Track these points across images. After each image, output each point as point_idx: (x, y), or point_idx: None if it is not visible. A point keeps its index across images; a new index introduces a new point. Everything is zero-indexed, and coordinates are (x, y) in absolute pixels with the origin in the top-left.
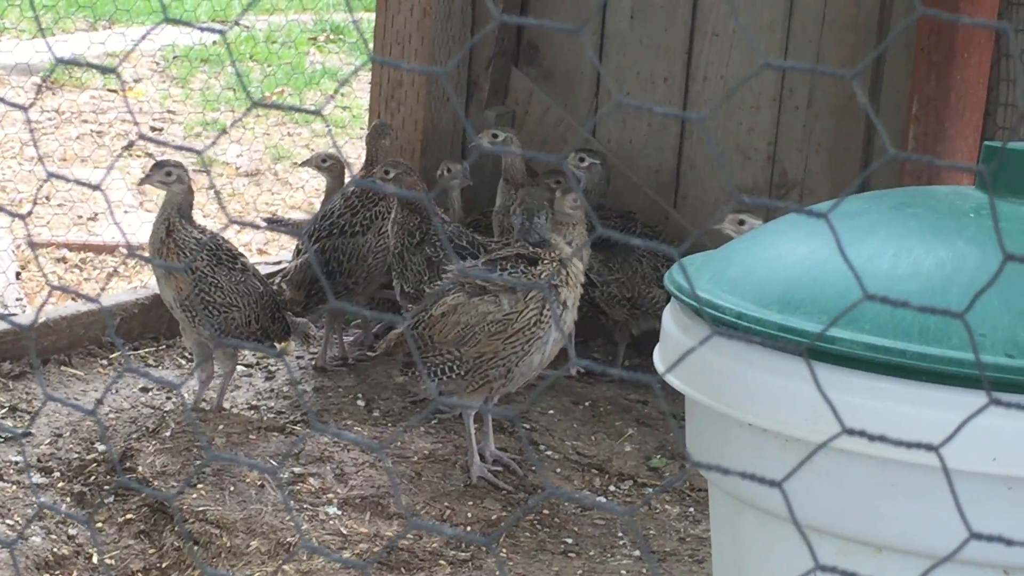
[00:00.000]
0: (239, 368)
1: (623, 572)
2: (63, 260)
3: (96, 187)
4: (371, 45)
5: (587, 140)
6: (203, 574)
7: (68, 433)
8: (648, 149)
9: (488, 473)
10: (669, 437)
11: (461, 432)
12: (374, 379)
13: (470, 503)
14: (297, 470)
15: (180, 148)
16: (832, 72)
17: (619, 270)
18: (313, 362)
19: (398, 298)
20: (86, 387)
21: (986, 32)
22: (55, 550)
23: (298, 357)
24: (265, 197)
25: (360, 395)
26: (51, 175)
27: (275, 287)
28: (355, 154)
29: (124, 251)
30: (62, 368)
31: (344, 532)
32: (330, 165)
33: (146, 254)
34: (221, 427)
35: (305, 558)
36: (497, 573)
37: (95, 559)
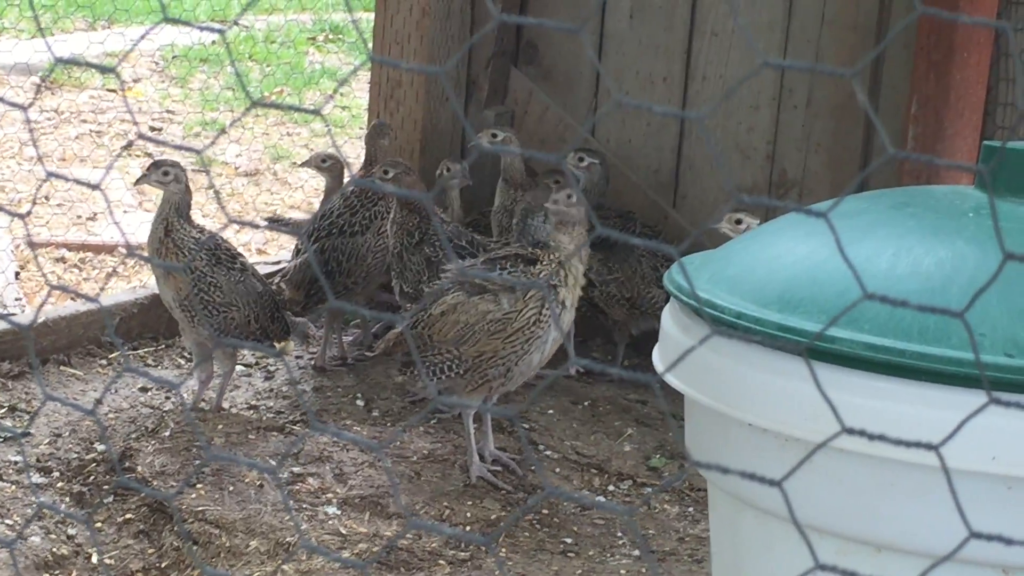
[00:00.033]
0: (238, 368)
1: (622, 572)
2: (62, 260)
3: (95, 187)
4: (370, 45)
5: (586, 140)
6: (202, 574)
7: (67, 433)
8: (647, 149)
9: (487, 473)
10: (668, 437)
11: (460, 432)
12: (373, 379)
13: (469, 503)
14: (296, 470)
15: (179, 148)
16: (832, 71)
17: (618, 270)
18: (312, 362)
19: (397, 297)
20: (85, 387)
21: (985, 31)
22: (54, 550)
23: (297, 357)
24: (264, 197)
25: (359, 395)
26: (50, 175)
27: (274, 287)
28: (354, 154)
29: (123, 251)
30: (61, 368)
31: (343, 532)
32: (330, 165)
33: (145, 254)
34: (220, 427)
35: (304, 558)
36: (496, 573)
37: (94, 559)
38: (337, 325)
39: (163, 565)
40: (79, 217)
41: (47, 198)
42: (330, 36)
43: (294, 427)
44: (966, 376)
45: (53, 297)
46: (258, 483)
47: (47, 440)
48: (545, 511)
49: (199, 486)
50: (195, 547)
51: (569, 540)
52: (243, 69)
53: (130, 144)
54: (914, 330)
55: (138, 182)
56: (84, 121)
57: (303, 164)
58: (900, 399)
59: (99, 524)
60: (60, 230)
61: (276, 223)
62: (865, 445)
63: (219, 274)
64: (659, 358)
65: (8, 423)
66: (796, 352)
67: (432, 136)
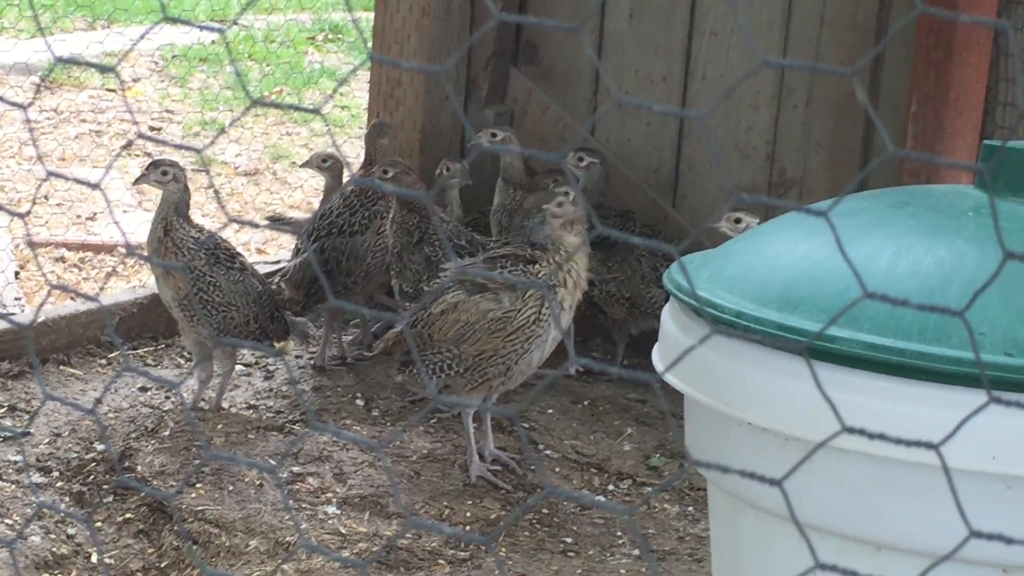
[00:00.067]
0: (238, 367)
1: (622, 571)
2: (62, 259)
3: (95, 186)
4: (370, 44)
5: (586, 139)
6: (202, 573)
7: (67, 432)
8: (647, 148)
9: (487, 472)
10: (668, 436)
11: (460, 431)
12: (373, 378)
13: (469, 502)
14: (296, 469)
15: (179, 147)
16: (831, 70)
17: (618, 269)
18: (312, 361)
19: (396, 297)
20: (85, 386)
21: (985, 30)
22: (54, 549)
23: (297, 356)
24: (264, 196)
25: (359, 394)
26: (50, 174)
27: (274, 286)
28: (354, 153)
29: (123, 250)
30: (61, 367)
31: (343, 531)
32: (330, 165)
33: (145, 253)
34: (220, 426)
35: (304, 557)
36: (496, 572)
37: (94, 558)
38: (337, 325)
39: (163, 565)
40: (79, 217)
41: (47, 198)
42: (330, 36)
43: (294, 427)
44: (966, 375)
45: (53, 297)
46: (258, 483)
47: (47, 440)
48: (545, 510)
49: (199, 486)
50: (195, 547)
51: (569, 539)
52: (243, 69)
53: (130, 144)
54: (914, 329)
55: (137, 182)
56: (84, 121)
57: (303, 165)
58: (900, 398)
59: (99, 524)
60: (60, 230)
61: (278, 222)
62: (865, 444)
63: (218, 273)
64: (659, 357)
65: (8, 423)
66: (796, 351)
67: (432, 135)
